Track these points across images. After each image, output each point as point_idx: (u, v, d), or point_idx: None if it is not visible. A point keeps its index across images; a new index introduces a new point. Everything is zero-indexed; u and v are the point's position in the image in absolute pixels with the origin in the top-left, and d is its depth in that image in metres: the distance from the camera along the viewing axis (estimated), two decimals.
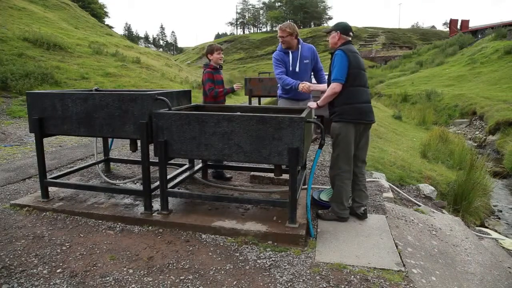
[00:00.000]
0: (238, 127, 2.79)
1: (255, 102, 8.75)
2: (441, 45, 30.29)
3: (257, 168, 4.21)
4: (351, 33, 3.18)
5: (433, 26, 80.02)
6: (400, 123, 11.76)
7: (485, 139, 11.23)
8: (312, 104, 3.23)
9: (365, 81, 3.16)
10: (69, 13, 22.71)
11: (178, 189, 3.64)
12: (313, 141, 6.02)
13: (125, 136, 3.12)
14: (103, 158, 4.50)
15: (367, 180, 3.80)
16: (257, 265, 2.49)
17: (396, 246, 2.79)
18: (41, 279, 2.31)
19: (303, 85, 3.58)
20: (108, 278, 2.33)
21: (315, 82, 4.08)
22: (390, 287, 2.28)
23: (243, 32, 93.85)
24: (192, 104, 3.83)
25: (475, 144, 11.14)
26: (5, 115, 8.19)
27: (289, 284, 2.28)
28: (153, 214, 3.15)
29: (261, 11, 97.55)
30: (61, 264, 2.48)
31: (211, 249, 2.71)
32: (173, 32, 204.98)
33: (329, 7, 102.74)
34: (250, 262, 2.53)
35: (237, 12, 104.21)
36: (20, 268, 2.41)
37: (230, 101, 13.51)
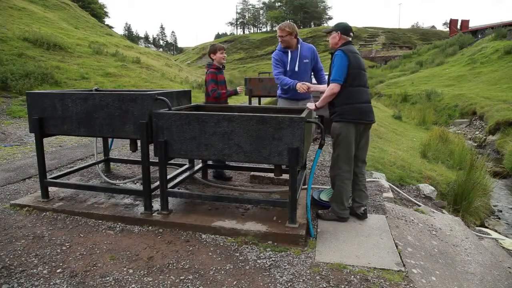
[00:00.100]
0: (238, 127, 2.80)
1: (255, 102, 8.75)
2: (441, 45, 30.30)
3: (257, 168, 4.21)
4: (351, 34, 3.18)
5: (433, 26, 79.97)
6: (400, 123, 11.76)
7: (485, 139, 11.23)
8: (311, 106, 3.23)
9: (365, 81, 3.16)
10: (69, 13, 22.72)
11: (178, 189, 3.64)
12: (313, 141, 6.02)
13: (125, 136, 3.13)
14: (103, 158, 4.50)
15: (367, 180, 3.80)
16: (257, 265, 2.49)
17: (396, 246, 2.79)
18: (41, 279, 2.31)
19: (301, 85, 3.57)
20: (108, 278, 2.33)
21: (315, 82, 4.08)
22: (390, 287, 2.28)
23: (243, 32, 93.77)
24: (192, 104, 3.83)
25: (475, 144, 11.13)
26: (5, 115, 8.19)
27: (289, 284, 2.28)
28: (153, 214, 3.15)
29: (261, 11, 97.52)
30: (61, 264, 2.48)
31: (211, 249, 2.71)
32: (173, 32, 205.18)
33: (329, 7, 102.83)
34: (250, 262, 2.53)
35: (237, 12, 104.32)
36: (20, 268, 2.41)
37: (230, 101, 13.44)
